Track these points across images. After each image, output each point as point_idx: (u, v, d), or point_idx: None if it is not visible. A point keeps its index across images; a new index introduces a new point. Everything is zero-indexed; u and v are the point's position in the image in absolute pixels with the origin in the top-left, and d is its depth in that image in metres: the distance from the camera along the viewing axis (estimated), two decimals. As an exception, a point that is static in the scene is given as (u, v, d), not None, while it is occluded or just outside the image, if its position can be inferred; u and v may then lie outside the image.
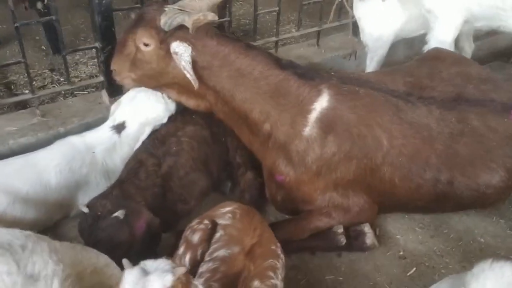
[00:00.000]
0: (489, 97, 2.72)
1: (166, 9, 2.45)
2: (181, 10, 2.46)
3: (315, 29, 3.93)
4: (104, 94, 3.08)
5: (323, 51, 3.97)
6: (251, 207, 2.23)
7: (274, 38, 3.72)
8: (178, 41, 2.42)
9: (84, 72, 3.96)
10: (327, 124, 2.47)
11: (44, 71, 4.00)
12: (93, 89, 3.53)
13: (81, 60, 4.14)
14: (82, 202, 2.58)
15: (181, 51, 2.40)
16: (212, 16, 2.29)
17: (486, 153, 2.56)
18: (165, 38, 2.45)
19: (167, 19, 2.38)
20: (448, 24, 3.22)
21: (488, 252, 2.61)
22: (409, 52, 4.30)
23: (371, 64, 3.69)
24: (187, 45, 2.42)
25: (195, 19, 2.24)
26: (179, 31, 2.42)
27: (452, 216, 2.81)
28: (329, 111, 2.47)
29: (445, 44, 3.25)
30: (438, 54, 3.07)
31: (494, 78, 2.94)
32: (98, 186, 2.65)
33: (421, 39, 3.70)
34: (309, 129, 2.47)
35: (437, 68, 2.87)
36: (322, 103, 2.48)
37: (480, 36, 4.23)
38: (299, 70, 2.54)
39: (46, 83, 3.81)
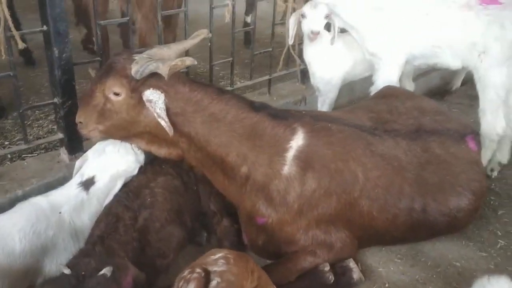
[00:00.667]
0: (445, 127, 2.90)
1: (136, 58, 2.42)
2: (151, 58, 2.44)
3: (266, 77, 4.03)
4: (63, 152, 2.92)
5: (274, 98, 4.06)
6: (244, 254, 2.16)
7: (229, 88, 3.76)
8: (151, 88, 2.38)
9: (40, 130, 3.74)
10: (304, 161, 2.49)
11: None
12: (50, 148, 3.32)
13: (37, 117, 3.94)
14: (49, 269, 2.41)
15: (155, 98, 2.36)
16: (190, 61, 2.29)
17: (452, 178, 2.70)
18: (136, 86, 2.41)
19: (139, 67, 2.35)
20: (392, 65, 3.44)
21: (466, 274, 2.69)
22: (351, 96, 4.54)
23: (323, 108, 3.82)
24: (160, 92, 2.39)
25: (173, 65, 2.23)
26: (151, 79, 2.40)
27: (425, 244, 2.89)
28: (306, 148, 2.51)
29: (391, 83, 3.47)
30: (390, 92, 3.27)
31: (444, 110, 3.17)
32: (66, 249, 2.44)
33: (361, 83, 3.94)
34: (288, 167, 2.48)
35: (394, 104, 3.03)
36: (298, 141, 2.52)
37: (415, 76, 4.57)
38: (272, 111, 2.58)
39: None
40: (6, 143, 3.60)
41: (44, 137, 3.39)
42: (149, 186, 2.59)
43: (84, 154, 2.65)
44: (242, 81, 3.97)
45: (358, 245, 2.71)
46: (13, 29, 2.44)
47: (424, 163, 2.70)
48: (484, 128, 3.32)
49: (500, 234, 3.04)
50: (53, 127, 3.68)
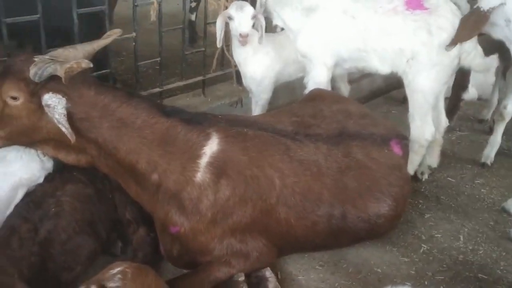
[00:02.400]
0: (369, 131, 2.87)
1: (36, 59, 2.27)
2: (53, 60, 2.29)
3: (200, 78, 3.92)
4: (-32, 158, 2.72)
5: (209, 99, 3.97)
6: (144, 265, 2.05)
7: (158, 89, 3.63)
8: (50, 92, 2.24)
9: None
10: (218, 168, 2.40)
11: None
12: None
13: None
14: None
15: (54, 103, 2.22)
16: (86, 64, 2.16)
17: (372, 184, 2.67)
18: (35, 90, 2.26)
19: (37, 69, 2.21)
20: (321, 67, 3.39)
21: (386, 281, 2.65)
22: (291, 97, 4.49)
23: (256, 109, 3.75)
24: (60, 96, 2.25)
25: (67, 67, 2.09)
26: (52, 82, 2.25)
27: (348, 250, 2.85)
28: (220, 155, 2.42)
29: (321, 85, 3.42)
30: (318, 94, 3.22)
31: (371, 114, 3.13)
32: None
33: (302, 84, 3.88)
34: (201, 174, 2.39)
35: (319, 107, 2.98)
36: (212, 146, 2.43)
37: (360, 77, 4.57)
38: (185, 116, 2.47)
39: None
40: None
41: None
42: (55, 195, 2.44)
43: (-15, 161, 2.47)
44: (174, 81, 3.84)
45: (277, 253, 2.64)
46: None
47: (344, 168, 2.65)
48: (413, 133, 3.31)
49: (424, 238, 3.03)
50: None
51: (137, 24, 3.28)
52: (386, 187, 2.69)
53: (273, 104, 4.02)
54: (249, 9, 3.21)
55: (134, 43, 3.32)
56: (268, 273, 2.49)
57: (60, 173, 2.57)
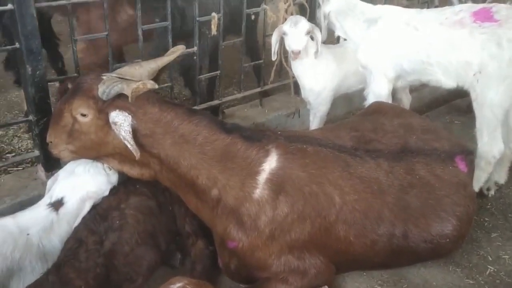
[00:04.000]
0: (432, 146, 2.78)
1: (104, 77, 2.37)
2: (120, 78, 2.39)
3: (257, 90, 3.94)
4: (40, 169, 2.89)
5: (266, 111, 3.98)
6: (203, 281, 2.08)
7: (217, 101, 3.69)
8: (117, 110, 2.33)
9: (18, 148, 3.73)
10: (277, 184, 2.40)
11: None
12: (28, 165, 3.29)
13: (16, 134, 3.92)
14: (17, 289, 2.36)
15: (120, 120, 2.30)
16: (151, 85, 2.22)
17: (436, 202, 2.57)
18: (103, 107, 2.35)
19: (105, 88, 2.30)
20: (382, 78, 3.33)
21: (449, 304, 2.56)
22: (349, 108, 4.43)
23: (314, 121, 3.73)
24: (127, 114, 2.33)
25: (134, 87, 2.17)
26: (118, 99, 2.34)
27: (409, 269, 2.76)
28: (279, 171, 2.42)
29: (381, 97, 3.36)
30: (379, 108, 3.15)
31: (434, 127, 3.03)
32: (33, 272, 2.39)
33: (360, 94, 3.82)
34: (260, 191, 2.40)
35: (380, 121, 2.92)
36: (271, 163, 2.43)
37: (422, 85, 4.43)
38: (245, 133, 2.49)
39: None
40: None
41: (20, 154, 3.35)
42: (119, 208, 2.53)
43: (56, 174, 2.61)
44: (235, 93, 3.88)
45: (335, 271, 2.61)
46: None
47: (406, 186, 2.58)
48: (480, 149, 3.16)
49: (490, 259, 2.89)
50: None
51: (198, 39, 3.34)
52: (451, 206, 2.59)
53: (330, 115, 3.98)
54: (303, 25, 3.20)
55: (195, 57, 3.39)
56: (326, 291, 2.46)
57: (124, 186, 2.67)
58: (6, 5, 2.48)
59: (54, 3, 2.79)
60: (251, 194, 2.40)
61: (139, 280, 2.46)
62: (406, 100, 3.94)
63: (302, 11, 3.92)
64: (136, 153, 2.32)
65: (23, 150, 3.67)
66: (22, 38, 2.54)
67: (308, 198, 2.41)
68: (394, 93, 3.94)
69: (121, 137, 2.31)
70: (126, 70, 2.48)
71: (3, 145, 3.80)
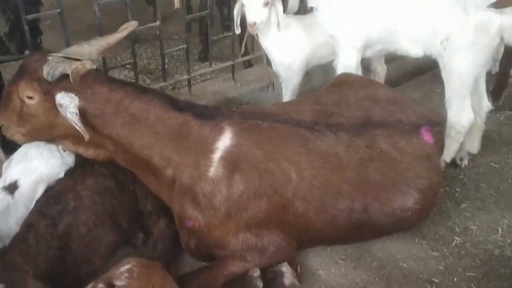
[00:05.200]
0: (397, 118, 2.72)
1: (49, 58, 2.30)
2: (66, 58, 2.31)
3: (229, 63, 3.86)
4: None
5: (239, 85, 3.90)
6: (152, 262, 2.06)
7: (186, 76, 3.61)
8: (63, 91, 2.27)
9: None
10: (232, 162, 2.36)
11: None
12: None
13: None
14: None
15: (66, 102, 2.25)
16: (90, 65, 2.16)
17: (397, 176, 2.53)
18: (49, 89, 2.29)
19: (49, 69, 2.24)
20: (350, 48, 3.24)
21: (411, 277, 2.54)
22: (326, 78, 4.33)
23: (286, 93, 3.66)
24: (73, 95, 2.27)
25: (73, 68, 2.10)
26: (64, 81, 2.27)
27: (374, 243, 2.74)
28: (233, 149, 2.37)
29: (350, 68, 3.28)
30: (346, 80, 3.07)
31: (401, 98, 2.96)
32: (-9, 254, 2.39)
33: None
34: (214, 169, 2.35)
35: (345, 94, 2.85)
36: (225, 141, 2.38)
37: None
38: (198, 110, 2.44)
39: None
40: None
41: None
42: (75, 190, 2.50)
43: (10, 157, 2.57)
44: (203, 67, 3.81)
45: (298, 247, 2.59)
46: None
47: (366, 160, 2.52)
48: (450, 119, 3.09)
49: (458, 230, 2.86)
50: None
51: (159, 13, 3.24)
52: (412, 179, 2.54)
53: (307, 86, 3.91)
54: None
55: (158, 32, 3.30)
56: (284, 268, 2.44)
57: (81, 167, 2.63)
58: None
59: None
60: (205, 173, 2.36)
61: (97, 261, 2.44)
62: (381, 70, 3.85)
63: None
64: (85, 135, 2.28)
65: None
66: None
67: (263, 175, 2.37)
68: (369, 63, 3.87)
69: (68, 119, 2.26)
70: (74, 49, 2.40)
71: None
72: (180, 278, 2.33)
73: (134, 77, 3.37)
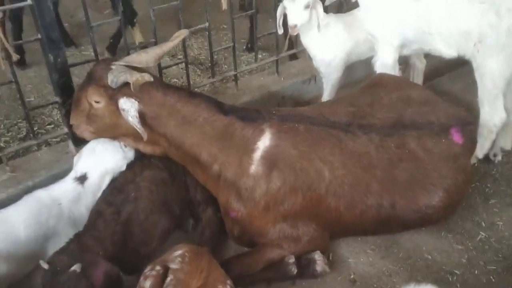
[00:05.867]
0: (428, 119, 2.89)
1: (113, 67, 2.63)
2: (127, 66, 2.65)
3: (273, 58, 4.10)
4: (70, 144, 3.25)
5: (282, 78, 4.13)
6: (201, 248, 2.40)
7: (232, 72, 3.89)
8: (125, 97, 2.61)
9: (57, 119, 4.11)
10: (270, 161, 2.64)
11: (19, 120, 4.19)
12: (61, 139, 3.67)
13: (49, 112, 4.30)
14: (52, 252, 2.77)
15: (128, 107, 2.59)
16: (148, 77, 2.47)
17: (423, 176, 2.73)
18: (113, 94, 2.64)
19: (113, 77, 2.57)
20: (387, 47, 3.40)
21: (434, 268, 2.76)
22: (368, 71, 4.48)
23: (327, 88, 3.87)
24: (133, 100, 2.61)
25: (134, 80, 2.43)
26: (126, 87, 2.61)
27: (402, 235, 2.96)
28: (272, 149, 2.65)
29: (388, 65, 3.45)
30: (381, 80, 3.26)
31: (434, 99, 3.11)
32: (66, 236, 2.77)
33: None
34: (255, 167, 2.65)
35: (379, 95, 3.04)
36: (265, 142, 2.66)
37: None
38: (241, 113, 2.73)
39: (23, 134, 4.01)
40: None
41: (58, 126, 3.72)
42: (135, 181, 2.85)
43: (80, 151, 2.96)
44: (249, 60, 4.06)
45: (331, 237, 2.86)
46: (6, 44, 2.71)
47: (395, 160, 2.74)
48: (482, 118, 3.23)
49: (484, 225, 3.03)
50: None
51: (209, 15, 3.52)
52: (438, 179, 2.73)
53: (349, 78, 4.08)
54: (301, 0, 3.28)
55: (207, 32, 3.58)
56: (317, 256, 2.72)
57: (140, 160, 2.99)
58: (26, 0, 2.76)
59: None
60: (247, 170, 2.65)
61: (153, 244, 2.81)
62: (420, 65, 3.99)
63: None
64: (144, 135, 2.62)
65: (61, 122, 4.06)
66: (42, 30, 2.82)
67: (299, 173, 2.64)
68: (408, 58, 4.00)
69: (130, 121, 2.61)
70: (134, 57, 2.73)
71: (44, 116, 4.23)
72: (225, 261, 2.67)
73: (185, 69, 3.66)
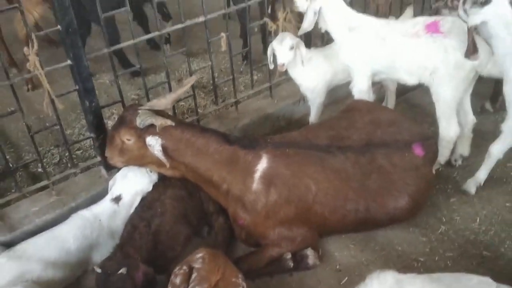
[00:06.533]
0: (393, 138, 3.57)
1: (139, 111, 3.33)
2: (150, 110, 3.34)
3: (267, 85, 4.79)
4: (102, 170, 3.95)
5: (276, 101, 4.82)
6: (217, 251, 3.09)
7: (233, 100, 4.59)
8: (150, 136, 3.30)
9: (89, 145, 4.78)
10: (268, 180, 3.33)
11: (51, 147, 4.88)
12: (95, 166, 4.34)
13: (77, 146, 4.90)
14: (96, 259, 3.45)
15: (153, 143, 3.29)
16: (170, 122, 3.20)
17: (390, 185, 3.41)
18: (141, 133, 3.33)
19: (141, 120, 3.27)
20: (361, 75, 4.08)
21: (403, 257, 3.45)
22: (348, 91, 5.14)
23: (313, 110, 4.53)
24: (157, 137, 3.30)
25: (159, 124, 3.15)
26: (151, 127, 3.30)
27: (378, 232, 3.63)
28: (269, 170, 3.34)
29: (363, 91, 4.12)
30: (356, 105, 3.95)
31: (400, 120, 3.77)
32: (106, 245, 3.47)
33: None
34: (256, 185, 3.34)
35: (354, 119, 3.73)
36: (262, 165, 3.35)
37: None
38: (243, 142, 3.41)
39: (57, 160, 4.70)
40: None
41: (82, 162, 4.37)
42: (160, 199, 3.55)
43: (114, 177, 3.66)
44: (246, 90, 4.78)
45: (320, 235, 3.55)
46: (53, 96, 3.40)
47: (367, 173, 3.42)
48: (441, 132, 3.92)
49: (444, 220, 3.71)
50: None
51: (211, 55, 4.21)
52: (402, 186, 3.41)
53: (333, 96, 4.74)
54: (287, 42, 3.97)
55: (211, 70, 4.28)
56: (309, 251, 3.41)
57: (163, 181, 3.68)
58: (66, 60, 3.44)
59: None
60: (250, 187, 3.34)
61: (178, 249, 3.50)
62: (392, 87, 4.68)
63: (301, 16, 4.62)
64: (166, 163, 3.33)
65: (87, 147, 4.76)
66: (79, 82, 3.51)
67: (291, 188, 3.33)
68: (383, 80, 4.69)
69: (155, 154, 3.31)
70: (155, 102, 3.43)
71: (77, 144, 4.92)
72: (236, 259, 3.36)
73: (192, 92, 4.31)
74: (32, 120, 5.10)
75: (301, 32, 4.06)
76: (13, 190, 3.93)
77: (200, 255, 2.99)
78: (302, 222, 3.42)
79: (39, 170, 4.48)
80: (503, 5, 3.26)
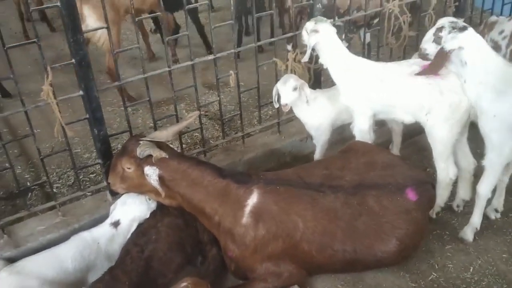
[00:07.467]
0: (386, 181, 3.61)
1: (140, 142, 3.53)
2: (151, 141, 3.54)
3: (275, 121, 4.93)
4: (108, 195, 4.16)
5: (283, 137, 4.95)
6: (202, 281, 3.19)
7: (240, 134, 4.75)
8: (148, 165, 3.49)
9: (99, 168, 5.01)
10: (257, 214, 3.44)
11: (68, 169, 5.16)
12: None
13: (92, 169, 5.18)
14: (91, 281, 3.62)
15: (150, 172, 3.47)
16: (164, 155, 3.38)
17: (378, 227, 3.44)
18: (140, 163, 3.53)
19: (141, 151, 3.46)
20: (361, 116, 4.16)
21: (390, 302, 3.46)
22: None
23: (318, 148, 4.63)
24: (155, 167, 3.48)
25: (155, 155, 3.33)
26: (150, 158, 3.49)
27: (368, 273, 3.66)
28: (259, 205, 3.45)
29: (364, 130, 4.20)
30: (354, 146, 4.03)
31: (396, 163, 3.82)
32: (102, 268, 3.62)
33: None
34: (245, 218, 3.44)
35: (349, 159, 3.80)
36: (253, 200, 3.46)
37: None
38: (236, 177, 3.54)
39: (71, 182, 4.96)
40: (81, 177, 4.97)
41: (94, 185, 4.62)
42: (156, 226, 3.70)
43: (115, 202, 3.85)
44: (254, 126, 4.95)
45: (307, 274, 3.60)
46: (63, 123, 3.65)
47: (357, 214, 3.47)
48: (439, 174, 3.95)
49: (437, 267, 3.70)
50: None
51: (219, 90, 4.41)
52: (391, 229, 3.44)
53: (341, 134, 4.82)
54: (290, 83, 4.12)
55: (219, 104, 4.47)
56: (295, 289, 3.48)
57: (160, 209, 3.85)
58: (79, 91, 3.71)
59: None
60: (240, 221, 3.45)
61: (169, 276, 3.61)
62: (397, 128, 4.73)
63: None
64: (162, 193, 3.50)
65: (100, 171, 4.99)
66: (90, 111, 3.76)
67: (279, 224, 3.42)
68: (388, 122, 4.75)
69: (152, 183, 3.49)
70: (157, 134, 3.64)
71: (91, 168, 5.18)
72: (223, 290, 3.47)
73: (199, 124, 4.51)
74: (54, 142, 5.38)
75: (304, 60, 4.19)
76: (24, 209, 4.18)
77: (184, 284, 3.10)
78: (290, 258, 3.49)
79: (54, 190, 4.74)
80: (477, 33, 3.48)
